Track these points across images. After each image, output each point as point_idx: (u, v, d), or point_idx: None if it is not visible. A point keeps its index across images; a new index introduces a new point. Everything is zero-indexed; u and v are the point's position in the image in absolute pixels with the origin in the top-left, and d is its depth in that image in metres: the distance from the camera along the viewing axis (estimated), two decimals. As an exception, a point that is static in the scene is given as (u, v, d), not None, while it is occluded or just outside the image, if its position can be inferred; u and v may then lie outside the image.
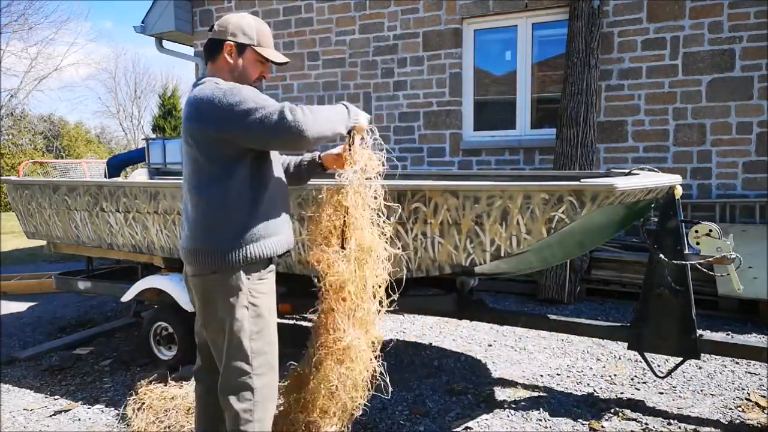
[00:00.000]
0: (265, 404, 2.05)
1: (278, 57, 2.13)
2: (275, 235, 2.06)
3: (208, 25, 7.50)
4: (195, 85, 2.04)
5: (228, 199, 1.95)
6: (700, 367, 3.53)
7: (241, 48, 2.06)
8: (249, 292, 1.99)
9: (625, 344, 3.07)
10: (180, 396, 2.91)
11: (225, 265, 1.96)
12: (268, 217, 2.03)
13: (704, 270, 2.86)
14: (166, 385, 3.02)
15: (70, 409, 3.21)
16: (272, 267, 2.09)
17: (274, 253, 2.05)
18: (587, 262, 5.19)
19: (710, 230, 2.71)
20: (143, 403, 2.88)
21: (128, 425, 2.88)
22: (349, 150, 2.18)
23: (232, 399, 2.02)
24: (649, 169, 3.09)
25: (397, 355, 3.89)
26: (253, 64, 2.09)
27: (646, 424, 2.83)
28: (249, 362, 2.01)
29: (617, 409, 3.00)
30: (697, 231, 2.75)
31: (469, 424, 2.88)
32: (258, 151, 2.01)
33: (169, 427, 2.74)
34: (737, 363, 3.58)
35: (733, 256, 2.69)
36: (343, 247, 2.16)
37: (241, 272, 1.98)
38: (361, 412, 2.29)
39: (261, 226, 2.01)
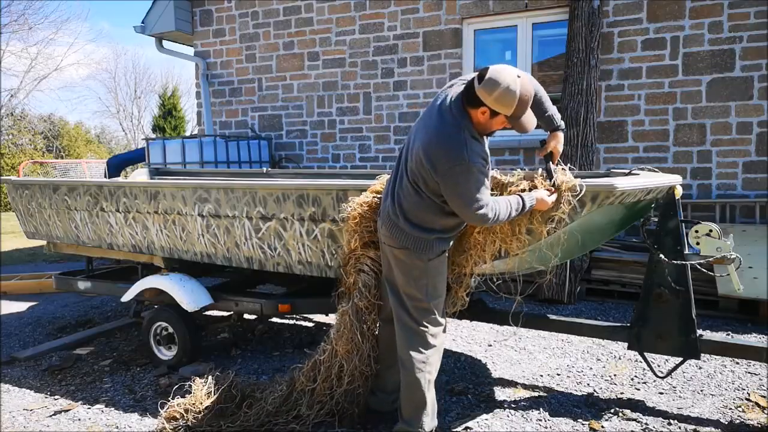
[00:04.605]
0: (433, 356, 2.54)
1: (526, 128, 2.34)
2: (450, 236, 2.54)
3: (208, 25, 7.54)
4: (448, 112, 2.32)
5: (422, 208, 2.40)
6: (700, 367, 3.53)
7: (494, 113, 2.27)
8: (427, 268, 2.48)
9: (625, 344, 3.07)
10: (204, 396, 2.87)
11: (414, 245, 2.44)
12: (449, 223, 2.46)
13: (704, 270, 2.85)
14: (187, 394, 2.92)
15: (70, 409, 3.21)
16: (445, 254, 2.55)
17: (446, 248, 2.55)
18: (587, 262, 5.19)
19: (710, 230, 2.71)
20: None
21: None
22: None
23: (409, 351, 2.50)
24: (649, 169, 3.09)
25: (397, 355, 3.88)
26: (499, 124, 2.34)
27: (646, 424, 2.83)
28: (422, 323, 2.51)
29: (617, 409, 3.00)
30: (697, 231, 2.75)
31: (469, 424, 2.88)
32: None
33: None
34: (737, 363, 3.58)
35: (733, 256, 2.69)
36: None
37: (425, 254, 2.46)
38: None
39: (442, 229, 2.47)
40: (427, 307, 2.52)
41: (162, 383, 3.47)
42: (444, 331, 2.64)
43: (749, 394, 3.14)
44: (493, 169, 2.65)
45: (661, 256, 2.77)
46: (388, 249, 2.54)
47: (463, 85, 2.37)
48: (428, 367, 2.52)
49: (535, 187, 2.47)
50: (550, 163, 2.55)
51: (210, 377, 2.92)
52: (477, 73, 2.28)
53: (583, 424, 2.85)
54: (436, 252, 2.48)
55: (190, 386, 2.91)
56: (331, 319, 4.71)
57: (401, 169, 2.47)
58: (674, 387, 3.27)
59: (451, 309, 2.78)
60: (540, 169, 2.55)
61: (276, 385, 2.89)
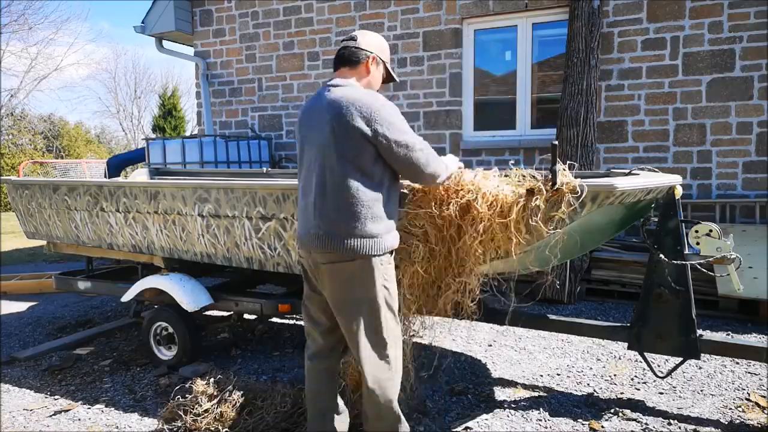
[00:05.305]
0: (398, 373, 2.35)
1: (395, 76, 2.57)
2: (395, 229, 2.34)
3: (208, 25, 7.54)
4: (332, 86, 2.30)
5: (372, 194, 2.20)
6: (700, 367, 3.53)
7: (377, 62, 2.42)
8: (383, 275, 2.25)
9: (625, 344, 3.07)
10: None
11: (365, 251, 2.19)
12: (393, 212, 2.32)
13: (704, 270, 2.85)
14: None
15: (70, 409, 3.21)
16: (392, 254, 2.35)
17: (395, 245, 2.33)
18: (587, 262, 5.19)
19: (710, 230, 2.71)
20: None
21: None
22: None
23: (374, 371, 2.27)
24: (649, 169, 3.09)
25: (397, 355, 3.88)
26: (380, 76, 2.47)
27: (646, 424, 2.83)
28: (386, 337, 2.28)
29: (617, 409, 3.00)
30: (697, 231, 2.75)
31: (469, 424, 2.88)
32: None
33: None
34: (737, 363, 3.58)
35: (733, 256, 2.69)
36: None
37: (377, 258, 2.22)
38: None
39: (391, 221, 2.29)
40: (385, 317, 2.28)
41: (162, 383, 3.47)
42: (402, 338, 2.42)
43: (749, 394, 3.14)
44: (493, 169, 2.64)
45: (661, 256, 2.77)
46: (332, 267, 2.24)
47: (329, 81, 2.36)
48: (395, 382, 2.33)
49: (539, 189, 2.43)
50: (558, 164, 2.49)
51: (211, 379, 2.91)
52: (344, 41, 2.42)
53: (583, 424, 2.85)
54: (385, 249, 2.25)
55: (190, 386, 2.91)
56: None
57: (327, 180, 2.21)
58: (674, 387, 3.27)
59: (469, 316, 2.67)
60: (544, 171, 2.55)
61: (278, 396, 2.85)
